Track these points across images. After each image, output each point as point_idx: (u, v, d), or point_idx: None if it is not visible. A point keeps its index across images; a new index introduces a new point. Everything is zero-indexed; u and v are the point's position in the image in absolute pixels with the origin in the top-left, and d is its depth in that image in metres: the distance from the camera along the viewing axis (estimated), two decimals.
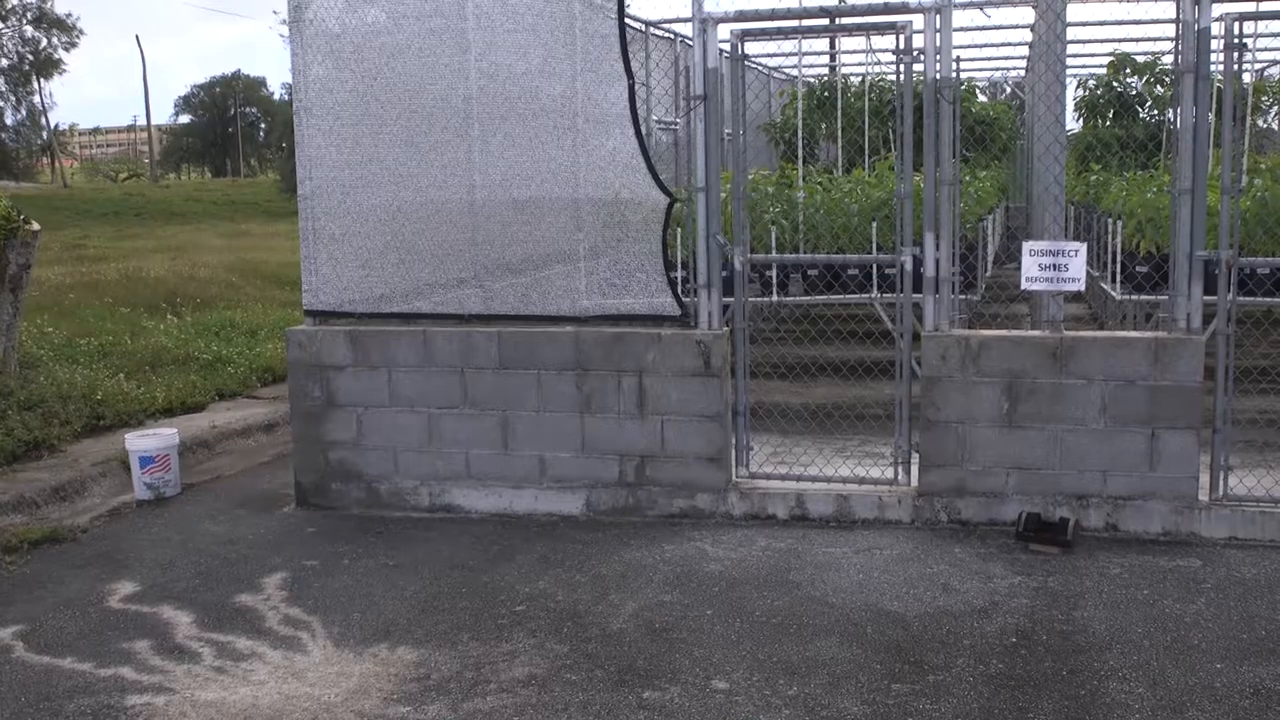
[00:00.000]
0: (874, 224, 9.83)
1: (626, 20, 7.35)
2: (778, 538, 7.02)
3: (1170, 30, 13.26)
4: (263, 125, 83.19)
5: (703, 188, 7.21)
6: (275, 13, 72.15)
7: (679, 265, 7.96)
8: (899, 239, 7.24)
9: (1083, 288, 7.34)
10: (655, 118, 10.52)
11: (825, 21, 7.75)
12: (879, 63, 15.48)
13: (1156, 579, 6.23)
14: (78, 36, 57.73)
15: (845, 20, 7.53)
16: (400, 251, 7.86)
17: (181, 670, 5.46)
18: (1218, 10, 6.61)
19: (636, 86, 7.24)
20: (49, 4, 55.97)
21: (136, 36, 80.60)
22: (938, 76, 6.87)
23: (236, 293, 17.59)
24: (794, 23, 7.39)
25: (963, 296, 9.45)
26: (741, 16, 7.32)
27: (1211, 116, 6.73)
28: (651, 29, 11.69)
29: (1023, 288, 7.05)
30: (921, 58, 6.90)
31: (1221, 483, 6.87)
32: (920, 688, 5.06)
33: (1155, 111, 15.43)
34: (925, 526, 7.13)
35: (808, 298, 10.49)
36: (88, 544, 7.39)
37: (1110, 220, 10.34)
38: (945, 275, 7.08)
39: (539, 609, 6.05)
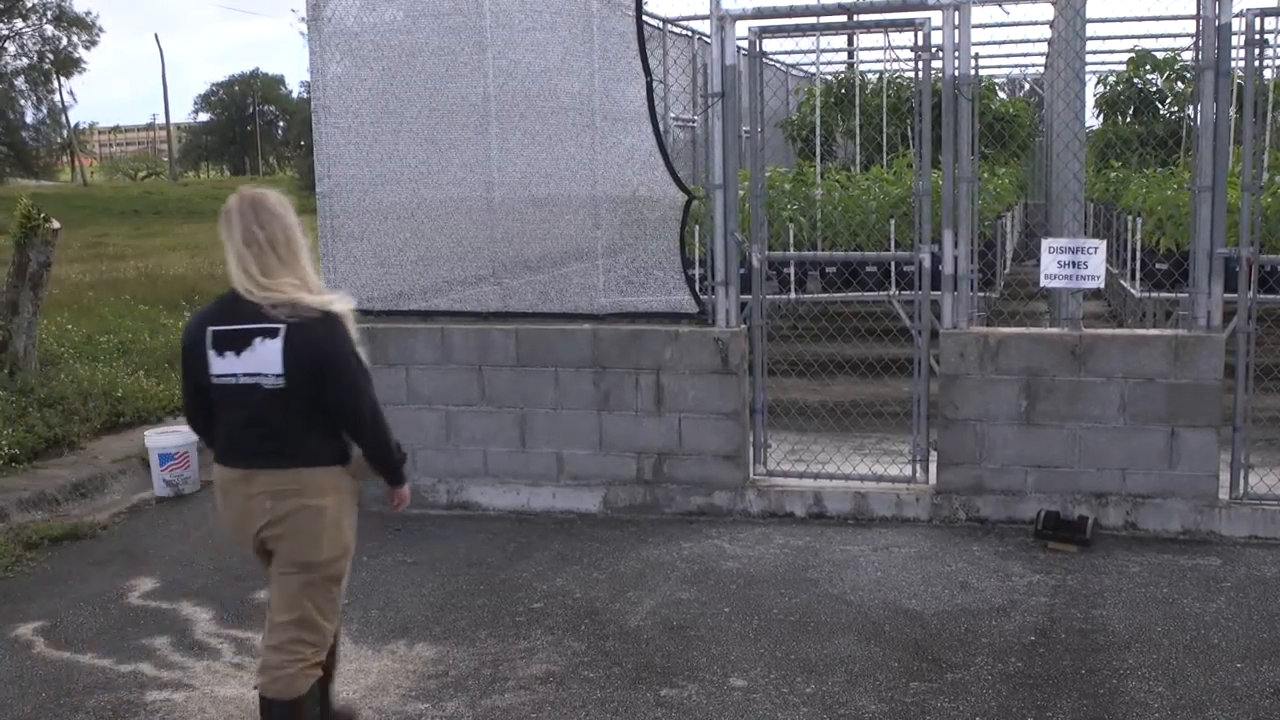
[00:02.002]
0: (892, 221, 9.81)
1: (644, 18, 7.35)
2: (795, 535, 7.02)
3: (1191, 26, 13.19)
4: (281, 123, 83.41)
5: (720, 185, 7.20)
6: (294, 10, 72.23)
7: (696, 263, 7.95)
8: (917, 236, 7.22)
9: (1102, 285, 7.31)
10: (673, 115, 10.51)
11: (844, 19, 7.74)
12: (897, 60, 15.45)
13: (1176, 577, 6.20)
14: (97, 34, 58.00)
15: (864, 17, 7.52)
16: (418, 249, 7.87)
17: (201, 666, 5.49)
18: (1238, 6, 6.58)
19: (654, 84, 7.24)
20: (68, 2, 56.25)
21: (155, 35, 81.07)
22: (956, 74, 6.85)
23: None
24: (812, 20, 7.37)
25: (981, 294, 9.42)
26: (759, 14, 7.32)
27: (1232, 113, 6.70)
28: (669, 26, 11.67)
29: (1041, 285, 7.03)
30: (940, 55, 6.88)
31: (1241, 481, 6.83)
32: (938, 686, 5.05)
33: (1175, 108, 15.34)
34: (943, 524, 7.12)
35: (825, 295, 10.47)
36: (108, 541, 7.43)
37: (1130, 217, 10.28)
38: (964, 272, 7.06)
39: (556, 606, 6.06)
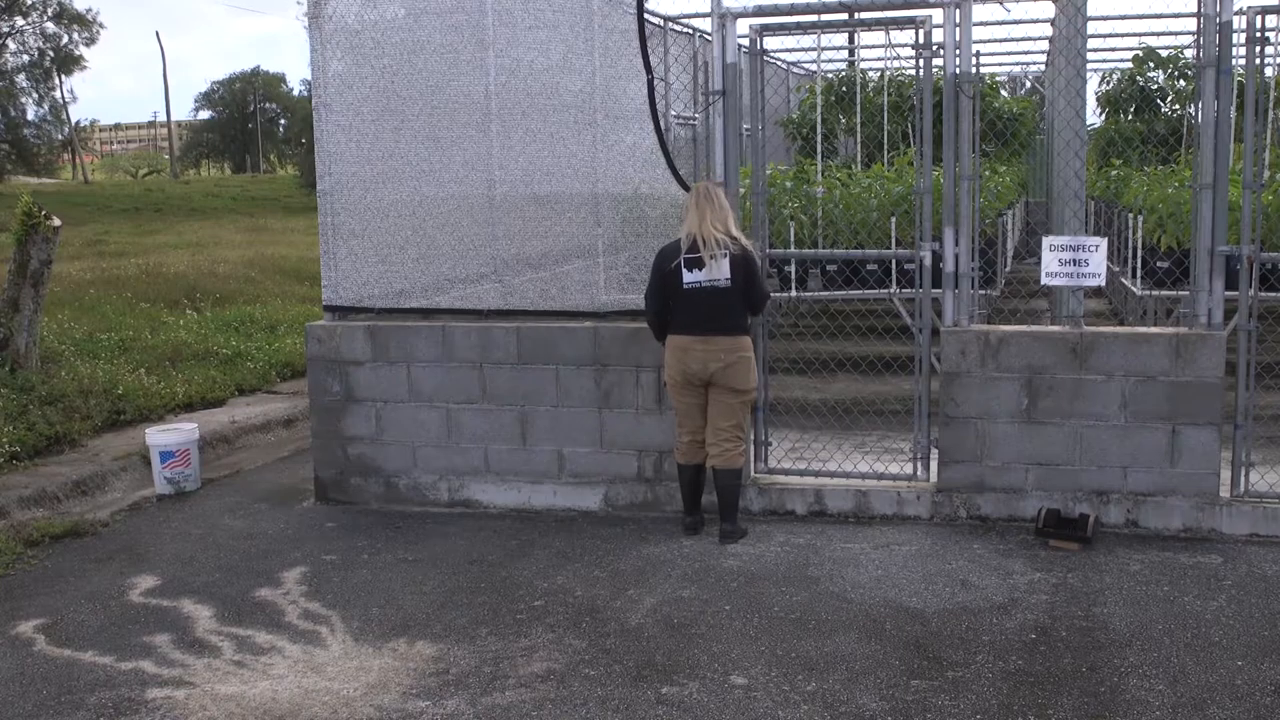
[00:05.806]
0: (893, 219, 9.79)
1: (645, 15, 7.34)
2: (796, 533, 7.02)
3: (1192, 24, 13.16)
4: (282, 121, 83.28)
5: (721, 183, 7.19)
6: (299, 3, 72.04)
7: None
8: (918, 234, 7.22)
9: (1103, 283, 7.31)
10: (674, 113, 10.48)
11: (845, 16, 7.72)
12: (898, 58, 15.44)
13: (1177, 575, 6.20)
14: (98, 31, 57.92)
15: (865, 15, 7.50)
16: (419, 247, 7.87)
17: (201, 664, 5.49)
18: (1239, 3, 6.57)
19: (655, 81, 7.24)
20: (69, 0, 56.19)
21: (156, 33, 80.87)
22: (957, 71, 6.85)
23: (256, 288, 17.66)
24: (813, 18, 7.36)
25: (982, 292, 9.40)
26: (760, 11, 7.31)
27: (1233, 111, 6.69)
28: (670, 24, 11.64)
29: (1042, 283, 7.02)
30: (941, 53, 6.88)
31: (1243, 479, 6.83)
32: (939, 684, 5.05)
33: (1177, 106, 15.32)
34: (944, 522, 7.12)
35: (826, 293, 10.45)
36: (109, 538, 7.43)
37: (1131, 215, 10.27)
38: (965, 270, 7.06)
39: (557, 604, 6.06)
